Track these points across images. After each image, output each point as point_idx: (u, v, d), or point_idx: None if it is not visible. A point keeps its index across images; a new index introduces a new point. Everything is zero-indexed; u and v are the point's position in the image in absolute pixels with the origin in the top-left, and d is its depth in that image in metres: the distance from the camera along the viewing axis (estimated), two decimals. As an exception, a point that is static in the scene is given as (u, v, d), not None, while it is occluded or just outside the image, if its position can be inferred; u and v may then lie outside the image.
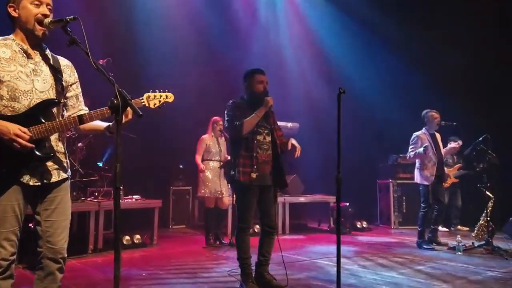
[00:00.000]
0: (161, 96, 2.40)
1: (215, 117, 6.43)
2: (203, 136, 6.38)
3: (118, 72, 6.33)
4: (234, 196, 3.88)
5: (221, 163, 6.25)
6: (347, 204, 7.71)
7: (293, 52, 9.86)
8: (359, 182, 8.18)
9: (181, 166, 8.65)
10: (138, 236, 6.00)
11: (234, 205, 6.60)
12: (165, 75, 7.50)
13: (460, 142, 6.32)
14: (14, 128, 2.12)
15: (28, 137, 2.15)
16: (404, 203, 8.41)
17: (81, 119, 2.29)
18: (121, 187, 5.83)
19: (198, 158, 6.27)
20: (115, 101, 1.93)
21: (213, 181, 6.15)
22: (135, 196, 6.43)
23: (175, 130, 8.02)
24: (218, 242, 6.20)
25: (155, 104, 2.38)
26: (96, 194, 6.14)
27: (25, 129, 2.15)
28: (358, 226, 7.87)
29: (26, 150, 2.15)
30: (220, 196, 6.16)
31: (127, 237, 5.91)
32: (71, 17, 2.14)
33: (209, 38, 8.69)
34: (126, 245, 5.84)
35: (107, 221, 5.90)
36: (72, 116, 2.37)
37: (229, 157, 6.24)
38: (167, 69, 7.66)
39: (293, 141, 3.90)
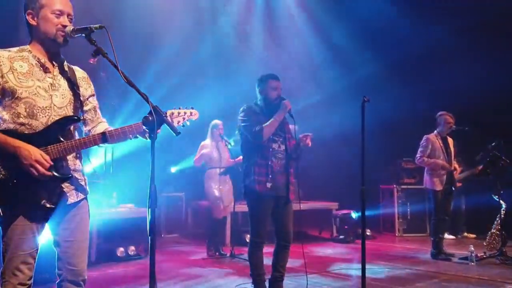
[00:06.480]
0: (185, 113, 2.32)
1: (214, 121, 6.29)
2: (203, 142, 6.29)
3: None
4: (247, 207, 3.87)
5: (221, 170, 6.18)
6: (351, 211, 7.77)
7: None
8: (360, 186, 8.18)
9: (172, 171, 8.61)
10: (132, 248, 5.98)
11: (233, 212, 6.65)
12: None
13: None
14: (36, 154, 2.09)
15: (49, 165, 2.12)
16: (408, 210, 8.49)
17: (105, 137, 2.24)
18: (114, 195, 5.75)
19: (197, 160, 6.24)
20: (150, 118, 1.93)
21: (218, 190, 6.12)
22: (128, 205, 6.39)
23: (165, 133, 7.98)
24: (217, 254, 6.20)
25: (178, 121, 2.30)
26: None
27: (47, 157, 2.12)
28: (362, 234, 7.90)
29: (43, 178, 2.11)
30: (224, 204, 6.15)
31: (121, 249, 5.89)
32: (97, 25, 2.12)
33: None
34: (120, 257, 5.82)
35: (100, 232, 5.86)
36: (94, 133, 2.35)
37: (231, 162, 6.24)
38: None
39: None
